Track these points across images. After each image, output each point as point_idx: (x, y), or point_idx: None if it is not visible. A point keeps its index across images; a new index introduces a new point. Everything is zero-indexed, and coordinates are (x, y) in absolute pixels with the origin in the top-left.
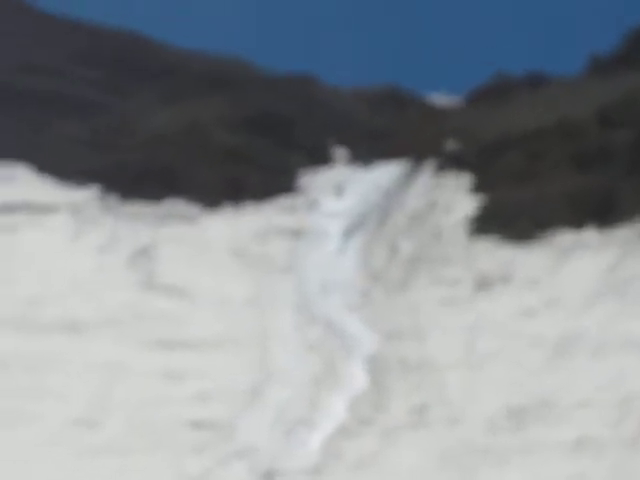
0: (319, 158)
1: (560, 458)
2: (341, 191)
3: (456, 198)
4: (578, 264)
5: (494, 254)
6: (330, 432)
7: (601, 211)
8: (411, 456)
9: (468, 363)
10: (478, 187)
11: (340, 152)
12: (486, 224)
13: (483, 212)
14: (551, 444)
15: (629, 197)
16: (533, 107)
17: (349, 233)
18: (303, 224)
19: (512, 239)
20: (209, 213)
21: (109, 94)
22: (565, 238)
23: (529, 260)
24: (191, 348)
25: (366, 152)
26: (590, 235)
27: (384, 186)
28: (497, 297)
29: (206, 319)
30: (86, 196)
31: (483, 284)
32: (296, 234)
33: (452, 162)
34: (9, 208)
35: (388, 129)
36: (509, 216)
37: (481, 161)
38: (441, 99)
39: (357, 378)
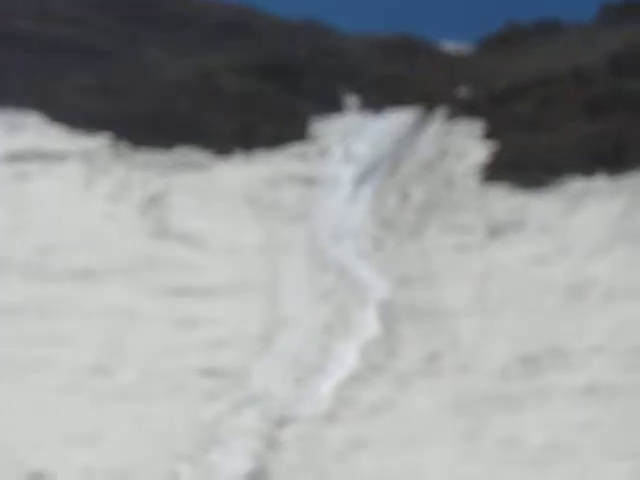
0: (330, 105)
1: (572, 404)
2: (352, 141)
3: (468, 145)
4: (590, 211)
5: (506, 201)
6: (342, 379)
7: (612, 158)
8: (424, 403)
9: (480, 310)
10: (490, 134)
11: (351, 99)
12: (498, 171)
13: (495, 159)
14: (563, 390)
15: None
16: (545, 55)
17: (361, 180)
18: (315, 171)
19: (524, 186)
20: (221, 160)
21: (122, 43)
22: (577, 185)
23: (541, 207)
24: (203, 295)
25: (377, 99)
26: (601, 182)
27: (395, 133)
28: (509, 244)
29: (218, 266)
30: (97, 144)
31: (495, 231)
32: (308, 181)
33: (464, 109)
34: (21, 156)
35: (400, 76)
36: (521, 163)
37: (493, 108)
38: (453, 46)
39: (369, 325)
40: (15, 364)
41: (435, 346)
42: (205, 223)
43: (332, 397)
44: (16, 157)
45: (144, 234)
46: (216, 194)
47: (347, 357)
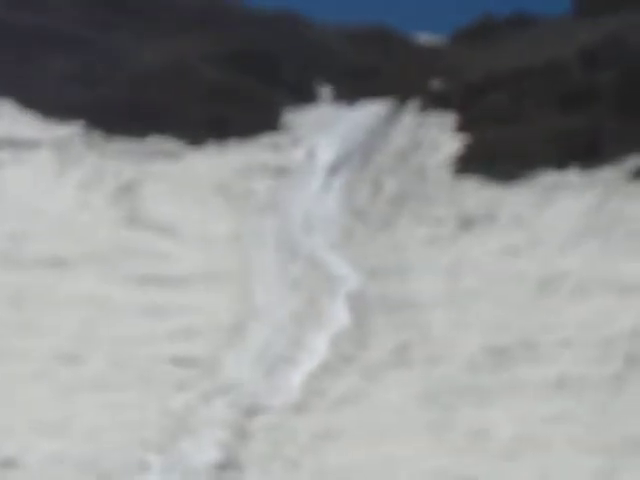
0: (304, 96)
1: (542, 397)
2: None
3: (441, 137)
4: (562, 204)
5: (478, 193)
6: (312, 369)
7: (585, 152)
8: (393, 394)
9: (451, 302)
10: (463, 126)
11: (325, 90)
12: (470, 163)
13: (467, 151)
14: (533, 383)
15: (613, 138)
16: (519, 48)
17: (333, 171)
18: (287, 162)
19: (496, 178)
20: (193, 150)
21: (94, 30)
22: (549, 178)
23: (513, 199)
24: (174, 284)
25: (351, 90)
26: (574, 175)
27: (369, 124)
28: (480, 236)
29: (189, 255)
30: (70, 132)
31: (467, 223)
32: (280, 172)
33: (437, 101)
34: None
35: (374, 68)
36: (493, 155)
37: (466, 101)
38: (427, 39)
39: (339, 316)
40: None
41: (405, 337)
42: (177, 212)
43: (302, 387)
44: None
45: (116, 223)
46: (188, 183)
47: (317, 348)
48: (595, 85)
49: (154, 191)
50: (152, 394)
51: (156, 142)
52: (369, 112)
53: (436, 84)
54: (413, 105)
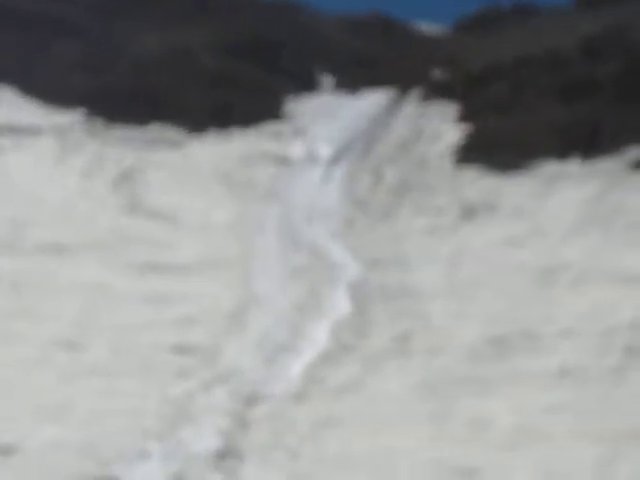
0: (306, 84)
1: (543, 387)
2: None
3: (442, 127)
4: (563, 195)
5: (479, 183)
6: (312, 358)
7: (586, 142)
8: (393, 384)
9: (451, 292)
10: (464, 116)
11: (326, 79)
12: (471, 153)
13: (469, 141)
14: (534, 373)
15: (614, 129)
16: (521, 38)
17: (334, 160)
18: (289, 151)
19: (497, 169)
20: (195, 138)
21: (97, 17)
22: (550, 168)
23: (514, 190)
24: (175, 272)
25: (353, 80)
26: (575, 166)
27: (370, 114)
28: (481, 226)
29: (190, 243)
30: (71, 119)
31: (468, 213)
32: (281, 160)
33: (438, 91)
34: None
35: (375, 57)
36: (494, 145)
37: (467, 90)
38: (429, 28)
39: (340, 305)
40: None
41: (406, 327)
42: (178, 200)
43: (302, 376)
44: None
45: (117, 210)
46: (190, 171)
47: (318, 337)
48: (597, 76)
49: (155, 179)
50: (152, 381)
51: (158, 130)
52: (370, 101)
53: (438, 74)
54: (414, 95)
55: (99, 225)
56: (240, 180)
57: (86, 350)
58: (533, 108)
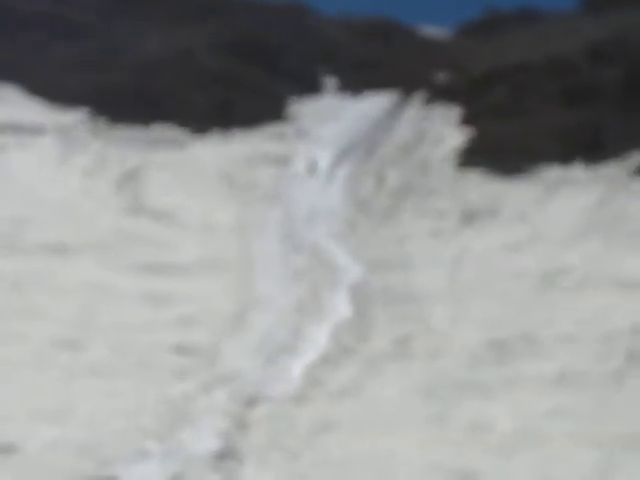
0: (308, 86)
1: (543, 392)
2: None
3: (444, 131)
4: (565, 200)
5: (481, 187)
6: (312, 360)
7: (589, 147)
8: (393, 387)
9: (452, 295)
10: (467, 120)
11: (329, 81)
12: (474, 157)
13: (471, 145)
14: (533, 377)
15: (617, 134)
16: (524, 42)
17: (337, 162)
18: (291, 152)
19: (499, 173)
20: (197, 138)
21: (99, 17)
22: (553, 173)
23: (516, 194)
24: (176, 273)
25: (355, 82)
26: (578, 171)
27: (373, 116)
28: (483, 230)
29: (192, 244)
30: (74, 119)
31: (469, 217)
32: (284, 162)
33: (441, 95)
34: None
35: (378, 60)
36: (497, 149)
37: (470, 94)
38: (432, 31)
39: (341, 307)
40: None
41: (406, 330)
42: (180, 201)
43: (302, 378)
44: None
45: (119, 210)
46: (192, 172)
47: (318, 338)
48: (600, 81)
49: (158, 179)
50: (152, 382)
51: (160, 130)
52: (373, 104)
53: (441, 77)
54: (417, 98)
55: (101, 225)
56: (242, 181)
57: (86, 350)
58: (536, 113)
